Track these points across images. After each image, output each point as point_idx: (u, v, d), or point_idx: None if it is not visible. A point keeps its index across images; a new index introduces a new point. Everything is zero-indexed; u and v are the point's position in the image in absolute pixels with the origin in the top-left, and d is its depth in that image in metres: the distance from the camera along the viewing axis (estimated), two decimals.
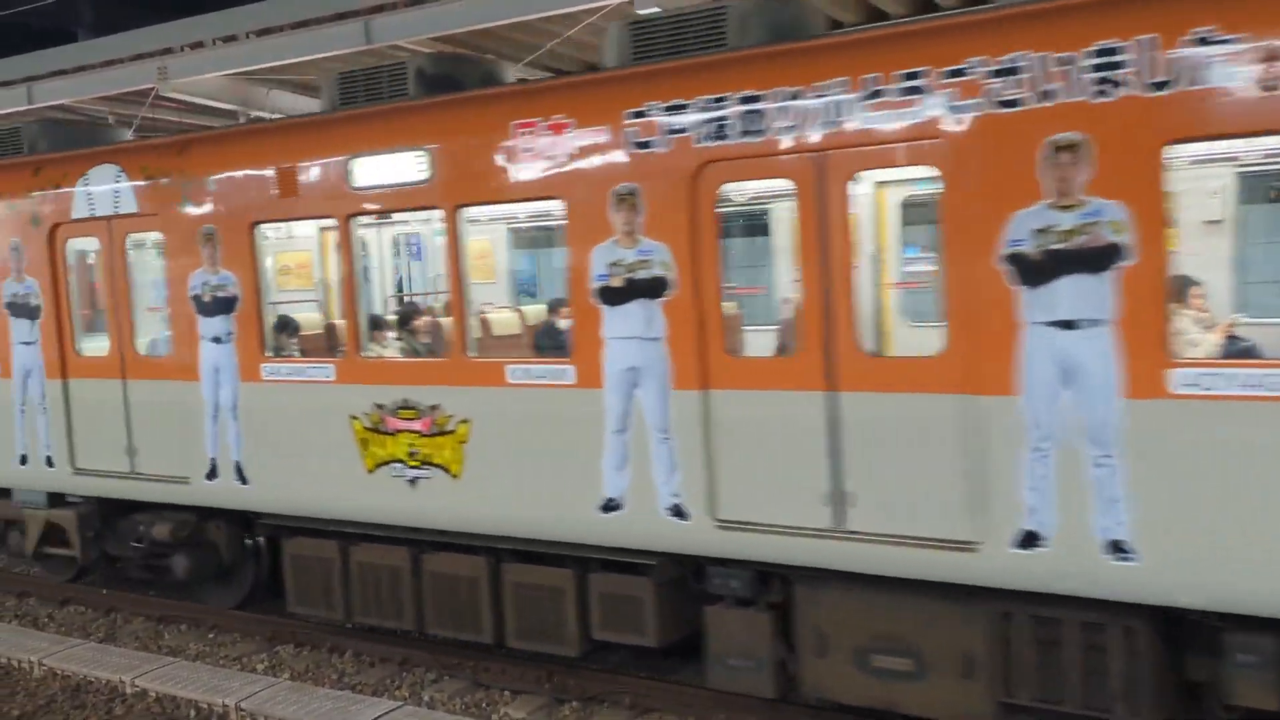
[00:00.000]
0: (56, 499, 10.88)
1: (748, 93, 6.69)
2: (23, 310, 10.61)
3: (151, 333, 10.43)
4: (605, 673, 8.36)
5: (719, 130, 6.80)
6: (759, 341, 8.52)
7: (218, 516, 9.93)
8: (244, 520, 9.86)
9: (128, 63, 15.35)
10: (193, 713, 8.13)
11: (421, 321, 10.24)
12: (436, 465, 8.15)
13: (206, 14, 15.07)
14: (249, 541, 10.12)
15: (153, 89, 14.63)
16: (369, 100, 8.66)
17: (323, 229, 11.59)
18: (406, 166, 8.10)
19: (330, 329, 10.44)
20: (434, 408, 8.13)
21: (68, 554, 10.92)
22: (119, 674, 8.72)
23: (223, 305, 9.19)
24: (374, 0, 12.94)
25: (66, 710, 8.40)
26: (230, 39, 14.47)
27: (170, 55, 14.72)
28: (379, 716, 7.56)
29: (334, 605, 9.02)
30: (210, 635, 10.05)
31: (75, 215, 10.15)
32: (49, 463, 10.61)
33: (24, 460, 10.84)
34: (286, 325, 10.14)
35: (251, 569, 10.21)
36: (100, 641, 9.93)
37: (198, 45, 14.67)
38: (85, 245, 10.70)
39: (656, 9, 11.20)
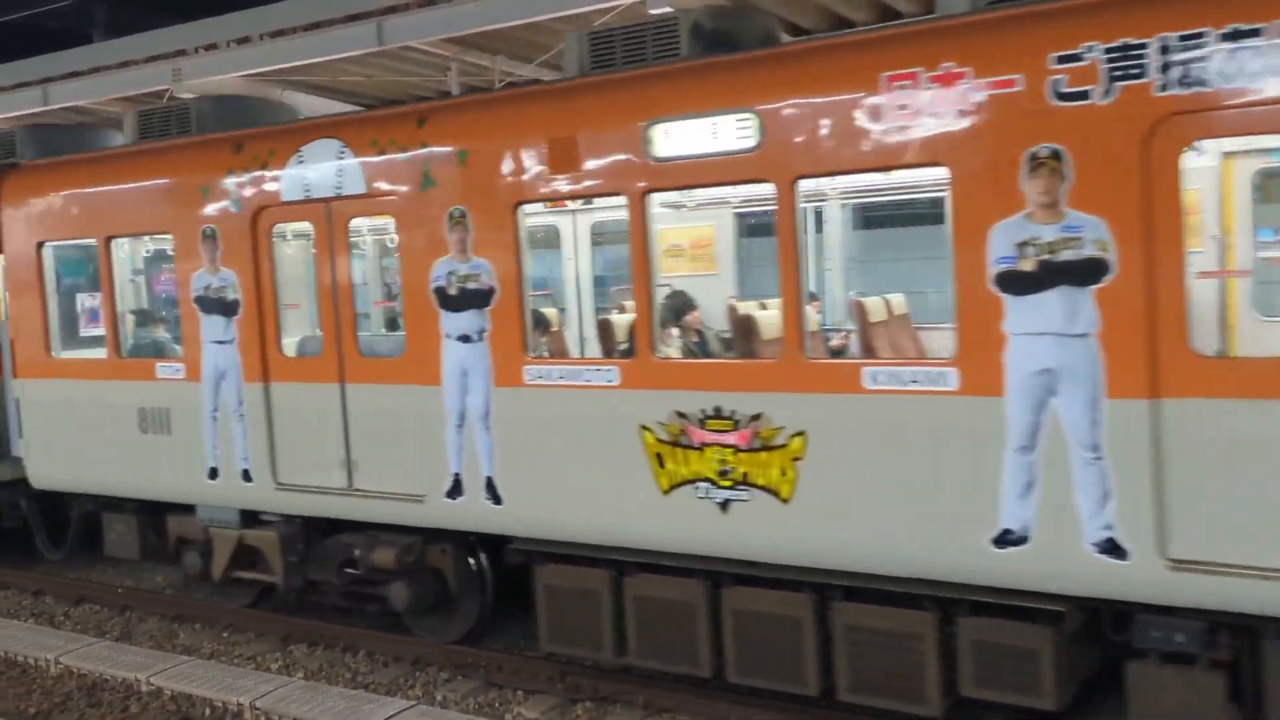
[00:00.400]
0: (248, 517, 9.70)
1: (1239, 26, 5.38)
2: (216, 305, 9.42)
3: (376, 331, 9.81)
4: (619, 673, 8.37)
5: (1187, 75, 5.53)
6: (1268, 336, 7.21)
7: (444, 539, 8.78)
8: (468, 543, 8.83)
9: (142, 64, 15.45)
10: (207, 711, 8.17)
11: (694, 316, 9.22)
12: (758, 486, 6.91)
13: (220, 16, 15.15)
14: (475, 567, 8.95)
15: (167, 90, 14.71)
16: (630, 63, 7.57)
17: (573, 210, 10.61)
18: (725, 133, 6.84)
19: (606, 325, 9.34)
20: (756, 418, 6.89)
21: (263, 579, 9.76)
22: (134, 672, 8.76)
23: (473, 298, 7.96)
24: (387, 1, 12.99)
25: (82, 708, 8.45)
26: (244, 40, 14.55)
27: (184, 57, 14.81)
28: (392, 715, 7.58)
29: (601, 644, 7.83)
30: (224, 634, 10.10)
31: (286, 198, 8.97)
32: (246, 477, 9.37)
33: (214, 474, 9.59)
34: (544, 321, 9.11)
35: (478, 599, 9.00)
36: (116, 640, 9.98)
37: (212, 47, 14.76)
38: (296, 231, 10.04)
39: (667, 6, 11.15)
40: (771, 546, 6.93)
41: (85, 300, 11.23)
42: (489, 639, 9.19)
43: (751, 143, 6.77)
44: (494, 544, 8.59)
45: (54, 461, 10.85)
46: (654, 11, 9.32)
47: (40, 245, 10.65)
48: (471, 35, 12.81)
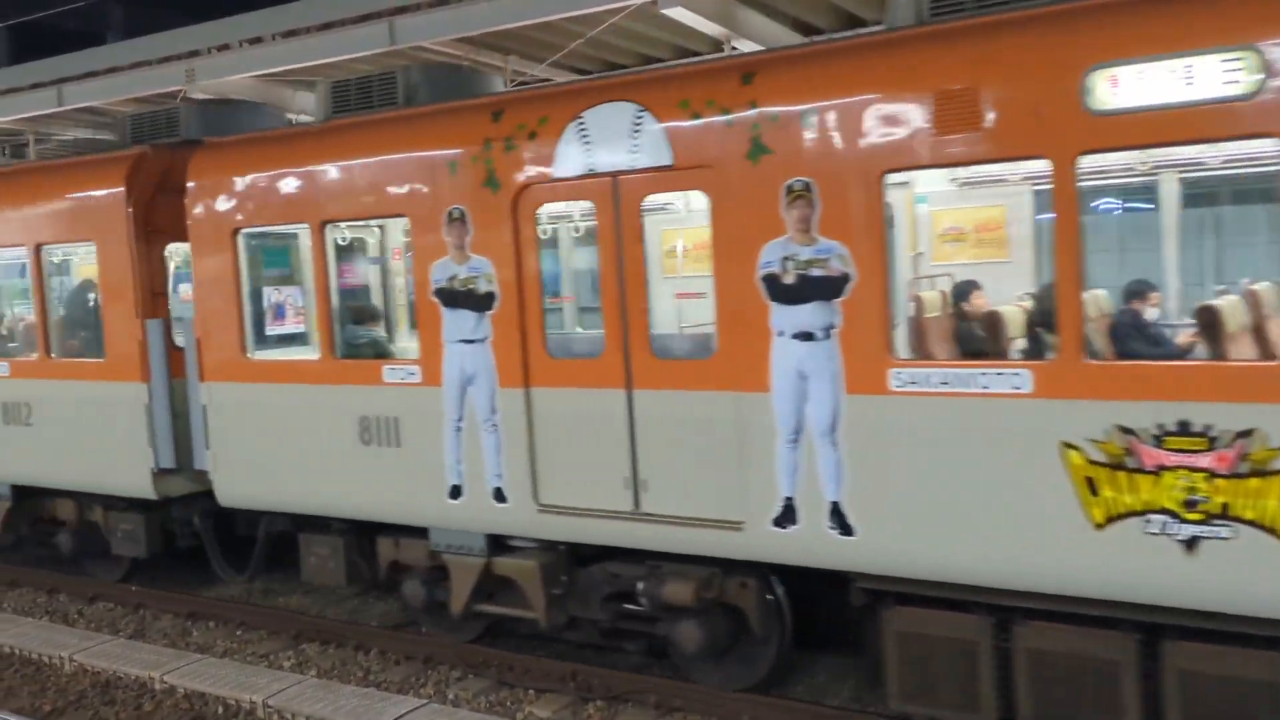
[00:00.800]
0: (495, 543, 8.44)
1: None
2: (465, 299, 8.10)
3: (672, 328, 8.81)
4: (630, 672, 8.37)
5: None
6: None
7: (743, 572, 7.52)
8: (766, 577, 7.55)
9: (156, 65, 15.54)
10: (221, 709, 8.20)
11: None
12: (1245, 521, 5.58)
13: (233, 16, 15.23)
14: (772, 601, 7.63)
15: (181, 90, 14.79)
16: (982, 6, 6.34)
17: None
18: (1206, 76, 5.53)
19: (992, 319, 7.71)
20: (1245, 435, 5.56)
21: (517, 614, 8.45)
22: (148, 670, 8.80)
23: (820, 288, 6.68)
24: (399, 1, 13.03)
25: (96, 706, 8.49)
26: (257, 40, 14.62)
27: (198, 57, 14.89)
28: (404, 714, 7.60)
29: (981, 705, 6.54)
30: (238, 632, 10.13)
31: (560, 174, 7.66)
32: (499, 496, 8.08)
33: (456, 492, 8.29)
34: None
35: (776, 639, 7.66)
36: (129, 638, 10.01)
37: (225, 47, 14.83)
38: (569, 212, 9.02)
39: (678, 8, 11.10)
40: (1266, 596, 5.61)
41: (271, 295, 10.17)
42: (500, 642, 9.20)
43: (1245, 89, 5.45)
44: (792, 576, 7.50)
45: (247, 476, 9.54)
46: None
47: (236, 232, 9.34)
48: (483, 35, 12.85)
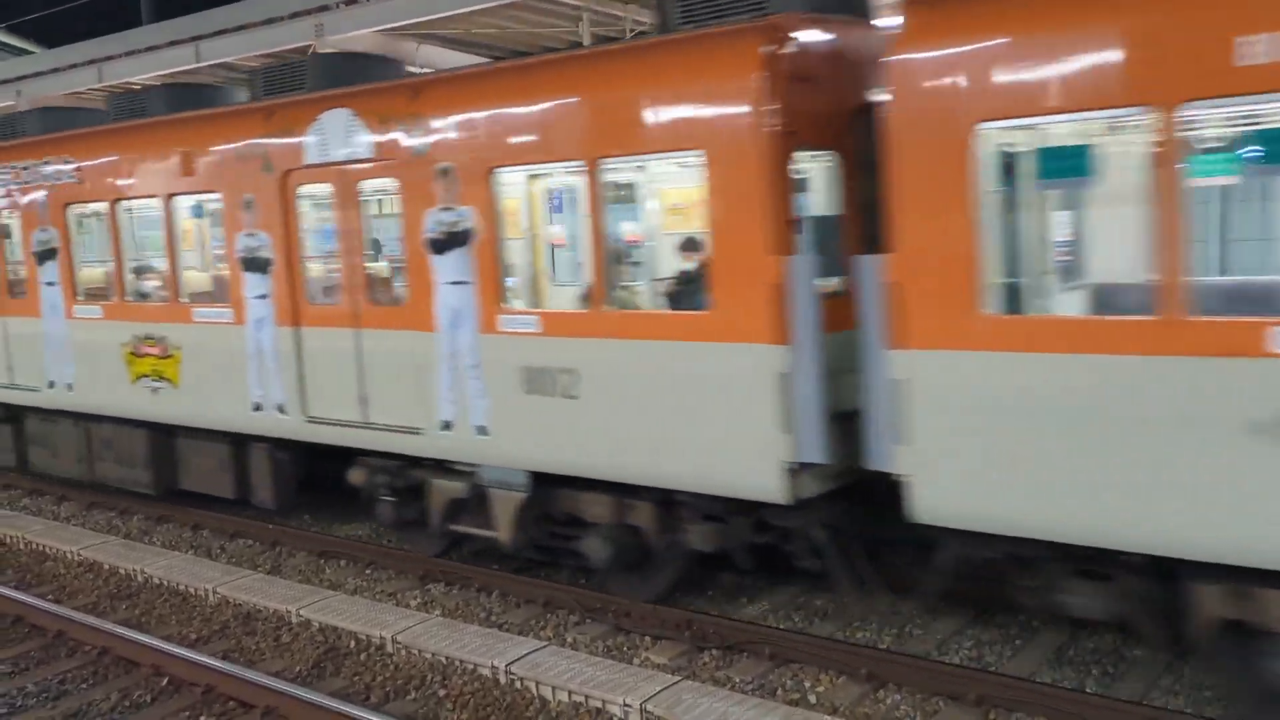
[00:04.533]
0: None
1: None
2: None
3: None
4: (747, 623, 8.45)
5: None
6: None
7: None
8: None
9: (287, 20, 15.94)
10: (352, 643, 8.58)
11: None
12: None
13: None
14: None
15: (310, 45, 15.15)
16: None
17: None
18: None
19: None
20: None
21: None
22: (285, 604, 9.25)
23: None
24: None
25: (239, 635, 8.98)
26: None
27: (326, 12, 15.22)
28: (525, 655, 7.84)
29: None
30: (367, 571, 10.56)
31: None
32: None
33: None
34: None
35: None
36: (267, 574, 10.52)
37: (353, 1, 15.12)
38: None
39: None
40: None
41: (1060, 222, 7.26)
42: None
43: None
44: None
45: (976, 488, 6.69)
46: None
47: (973, 129, 6.41)
48: None
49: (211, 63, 17.31)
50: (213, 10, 17.93)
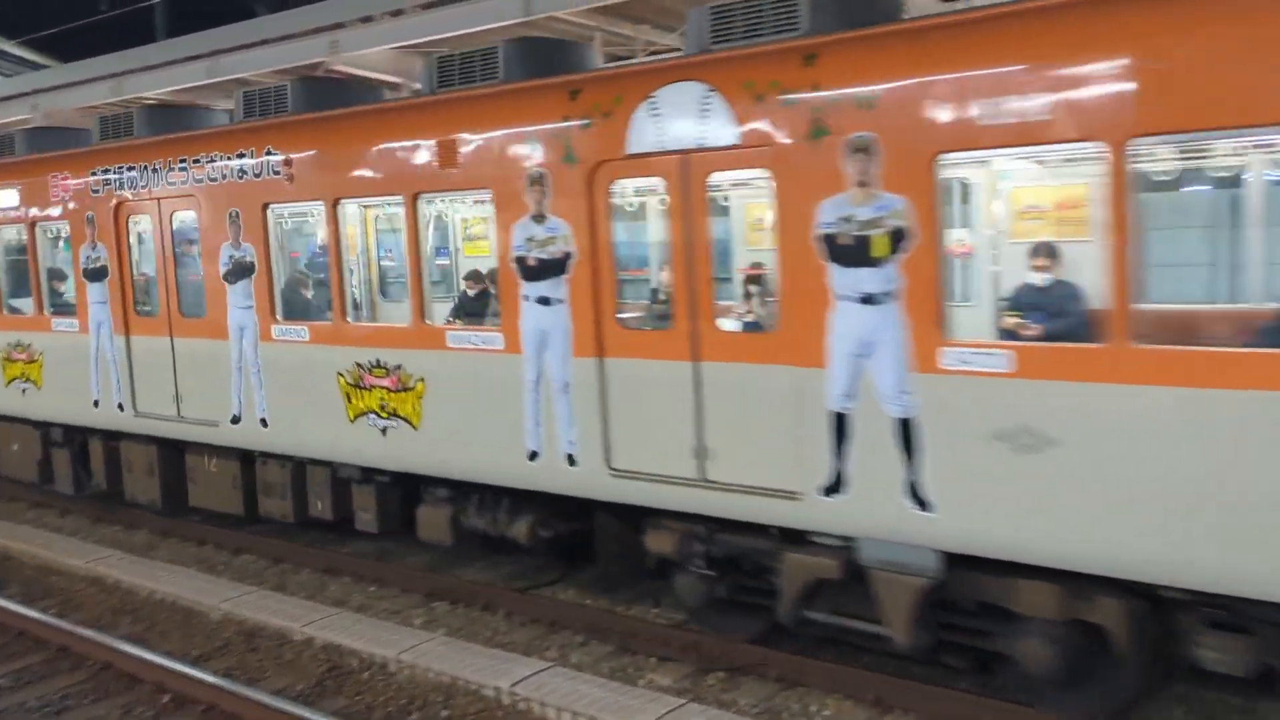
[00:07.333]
0: None
1: None
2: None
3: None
4: (752, 644, 8.37)
5: None
6: None
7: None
8: None
9: (303, 36, 16.02)
10: (355, 662, 8.52)
11: None
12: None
13: None
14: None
15: (323, 62, 15.22)
16: None
17: None
18: None
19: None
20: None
21: None
22: (289, 621, 9.20)
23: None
24: None
25: (241, 652, 8.92)
26: (398, 13, 14.92)
27: (341, 29, 15.29)
28: (529, 675, 7.77)
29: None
30: (371, 589, 10.50)
31: None
32: None
33: None
34: None
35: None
36: (272, 590, 10.47)
37: (368, 19, 15.19)
38: None
39: None
40: None
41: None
42: (621, 603, 9.29)
43: None
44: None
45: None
46: None
47: None
48: (617, 4, 12.82)
49: (228, 78, 17.41)
50: (228, 26, 18.07)
